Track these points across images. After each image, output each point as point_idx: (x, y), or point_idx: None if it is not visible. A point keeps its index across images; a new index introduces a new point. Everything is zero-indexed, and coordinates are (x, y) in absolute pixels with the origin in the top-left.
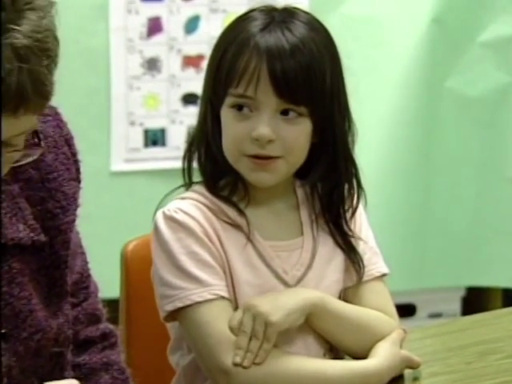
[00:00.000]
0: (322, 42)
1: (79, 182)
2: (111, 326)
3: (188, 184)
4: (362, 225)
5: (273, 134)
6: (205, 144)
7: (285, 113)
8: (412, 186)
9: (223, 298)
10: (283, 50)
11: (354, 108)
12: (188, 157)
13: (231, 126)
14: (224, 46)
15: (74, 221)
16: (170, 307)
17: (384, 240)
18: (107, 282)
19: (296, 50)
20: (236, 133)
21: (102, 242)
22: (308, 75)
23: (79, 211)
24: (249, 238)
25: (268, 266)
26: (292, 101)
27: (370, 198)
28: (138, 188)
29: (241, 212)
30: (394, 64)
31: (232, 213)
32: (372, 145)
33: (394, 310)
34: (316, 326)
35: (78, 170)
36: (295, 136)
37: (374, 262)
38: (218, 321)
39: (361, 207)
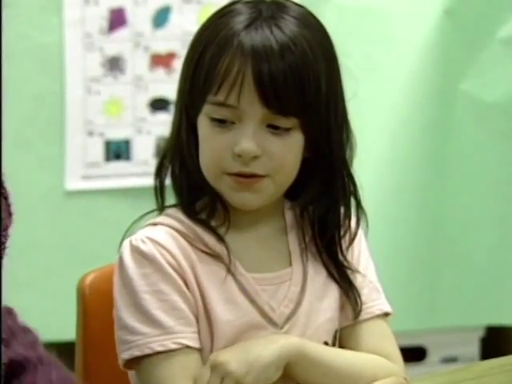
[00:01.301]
0: (317, 41)
1: None
2: None
3: (161, 207)
4: (362, 254)
5: (258, 149)
6: (179, 158)
7: (273, 126)
8: (421, 208)
9: (189, 347)
10: (271, 51)
11: (352, 116)
12: (160, 174)
13: (210, 139)
14: (203, 44)
15: None
16: (126, 355)
17: (388, 271)
18: (61, 322)
19: (286, 50)
20: (215, 147)
21: (55, 275)
22: (300, 81)
23: (24, 239)
24: (229, 270)
25: (252, 302)
26: (281, 111)
27: (370, 223)
28: (97, 210)
29: (220, 239)
30: (399, 64)
31: (210, 240)
32: (374, 158)
33: (397, 354)
34: (299, 377)
35: None
36: (284, 151)
37: (374, 298)
38: (178, 377)
39: (360, 233)
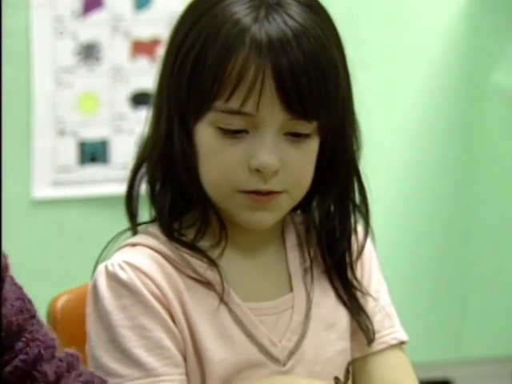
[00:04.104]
0: (329, 29)
1: None
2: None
3: (133, 225)
4: (373, 273)
5: (279, 162)
6: (164, 172)
7: (292, 134)
8: (446, 221)
9: None
10: (289, 46)
11: (365, 112)
12: (133, 187)
13: (218, 151)
14: (200, 41)
15: None
16: None
17: (409, 294)
18: None
19: (303, 43)
20: (226, 162)
21: None
22: (323, 78)
23: None
24: (222, 299)
25: (250, 336)
26: (304, 115)
27: (388, 238)
28: (70, 221)
29: (212, 263)
30: (419, 52)
31: (201, 266)
32: (390, 162)
33: None
34: None
35: None
36: (303, 163)
37: (388, 326)
38: None
39: (370, 247)
